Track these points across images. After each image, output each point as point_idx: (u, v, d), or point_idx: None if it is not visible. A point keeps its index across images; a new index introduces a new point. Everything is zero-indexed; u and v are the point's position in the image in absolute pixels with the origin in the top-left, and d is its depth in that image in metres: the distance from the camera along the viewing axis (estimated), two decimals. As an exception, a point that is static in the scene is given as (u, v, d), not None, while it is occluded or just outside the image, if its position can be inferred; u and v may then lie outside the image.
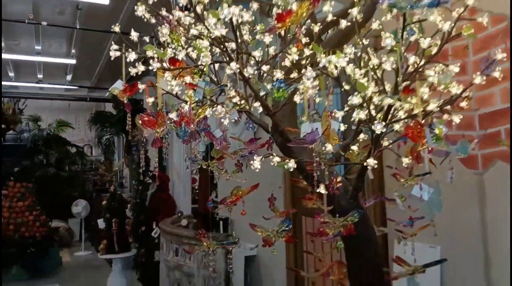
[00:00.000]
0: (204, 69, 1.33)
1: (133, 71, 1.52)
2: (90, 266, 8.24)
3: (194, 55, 1.51)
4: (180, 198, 6.16)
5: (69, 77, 9.68)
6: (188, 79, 1.36)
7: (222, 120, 1.65)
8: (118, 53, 1.43)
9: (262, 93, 1.47)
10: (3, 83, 10.02)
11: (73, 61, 8.41)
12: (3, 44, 7.61)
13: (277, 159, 1.40)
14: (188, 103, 1.38)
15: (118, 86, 1.55)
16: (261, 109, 1.80)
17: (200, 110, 1.38)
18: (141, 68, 1.41)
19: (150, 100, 1.55)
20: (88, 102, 13.97)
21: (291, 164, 1.39)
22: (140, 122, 1.48)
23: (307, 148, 1.63)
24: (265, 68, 1.54)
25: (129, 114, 1.60)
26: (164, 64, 1.44)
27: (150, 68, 1.40)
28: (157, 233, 5.78)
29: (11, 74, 9.63)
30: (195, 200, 6.86)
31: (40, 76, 9.63)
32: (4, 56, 8.13)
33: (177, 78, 1.42)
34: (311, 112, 1.52)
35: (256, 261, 4.05)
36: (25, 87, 11.35)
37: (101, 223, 5.94)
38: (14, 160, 10.64)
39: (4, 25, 6.95)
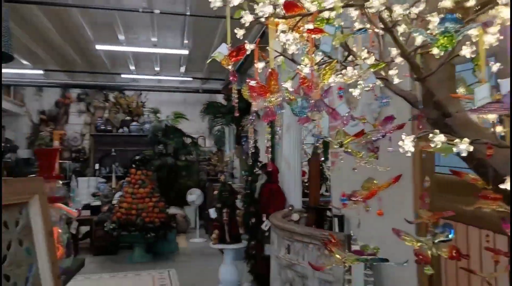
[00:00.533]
0: (334, 9, 0.93)
1: (239, 31, 1.19)
2: (203, 253, 8.46)
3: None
4: (290, 191, 5.86)
5: (182, 69, 10.04)
6: (309, 26, 0.97)
7: (352, 90, 1.25)
8: (219, 3, 1.11)
9: (416, 44, 1.02)
10: (127, 76, 10.82)
11: (186, 52, 8.63)
12: (123, 37, 8.10)
13: (441, 138, 0.95)
14: (309, 61, 1.01)
15: (222, 50, 1.23)
16: (396, 79, 1.35)
17: (326, 70, 0.99)
18: (248, 18, 1.06)
19: (260, 65, 1.21)
20: (202, 94, 14.56)
21: (464, 146, 0.93)
22: (247, 92, 1.15)
23: (474, 126, 1.15)
24: (416, 10, 1.08)
25: (235, 90, 1.27)
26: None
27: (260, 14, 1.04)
28: (267, 226, 5.58)
29: (132, 67, 10.31)
30: (305, 194, 6.55)
31: (157, 68, 10.14)
32: (124, 49, 8.70)
33: (294, 30, 1.06)
34: (490, 69, 1.04)
35: (377, 270, 3.53)
36: (145, 80, 12.14)
37: (212, 213, 5.93)
38: (137, 149, 11.52)
39: (123, 19, 7.37)
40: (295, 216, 4.33)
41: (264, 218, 5.67)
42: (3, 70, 7.95)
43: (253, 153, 6.12)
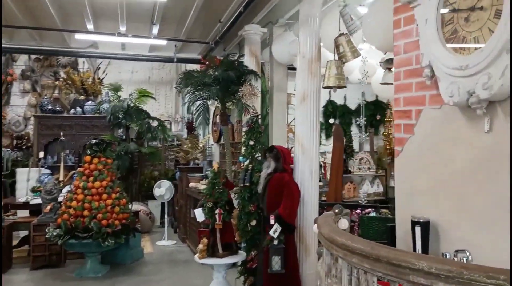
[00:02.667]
0: None
1: None
2: (175, 260, 6.78)
3: None
4: (304, 182, 4.31)
5: (155, 30, 8.14)
6: None
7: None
8: None
9: None
10: (83, 37, 8.72)
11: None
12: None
13: None
14: None
15: None
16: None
17: None
18: None
19: None
20: (170, 71, 12.70)
21: None
22: None
23: None
24: None
25: None
26: None
27: None
28: (277, 232, 4.01)
29: (90, 26, 8.27)
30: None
31: (122, 28, 8.18)
32: None
33: None
34: None
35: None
36: (106, 45, 10.14)
37: (199, 214, 4.29)
38: (93, 134, 9.57)
39: None
40: (344, 223, 2.78)
41: (272, 220, 4.10)
42: None
43: (253, 131, 4.52)
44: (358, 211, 4.86)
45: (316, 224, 2.83)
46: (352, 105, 9.56)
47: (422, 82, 2.62)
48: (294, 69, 6.04)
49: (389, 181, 8.63)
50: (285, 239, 4.07)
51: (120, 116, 9.68)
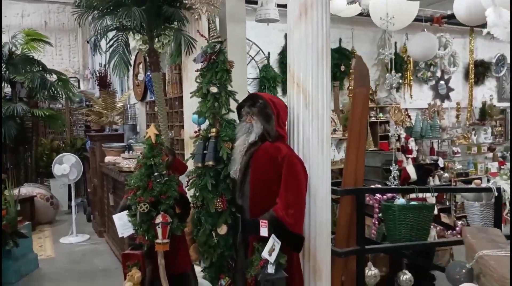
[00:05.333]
0: None
1: None
2: (89, 271, 4.68)
3: None
4: (309, 160, 2.46)
5: None
6: None
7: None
8: None
9: None
10: None
11: None
12: None
13: None
14: None
15: None
16: None
17: None
18: None
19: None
20: (72, 19, 9.95)
21: None
22: None
23: None
24: None
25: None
26: None
27: None
28: (274, 252, 2.16)
29: None
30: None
31: None
32: None
33: None
34: None
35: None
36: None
37: (123, 225, 2.26)
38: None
39: None
40: None
41: (264, 229, 2.24)
42: None
43: (215, 69, 2.53)
44: (378, 196, 3.15)
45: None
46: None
47: None
48: None
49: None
50: (289, 261, 2.24)
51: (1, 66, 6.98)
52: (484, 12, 3.77)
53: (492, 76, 8.42)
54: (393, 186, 3.29)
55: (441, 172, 7.36)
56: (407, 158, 7.53)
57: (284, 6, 5.15)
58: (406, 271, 3.11)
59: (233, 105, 2.63)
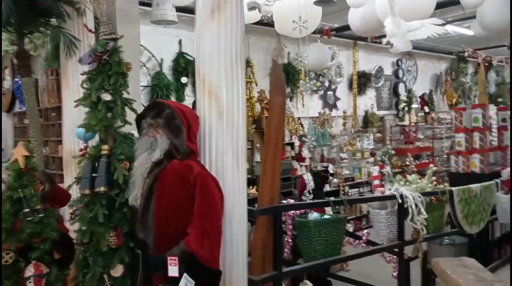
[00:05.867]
0: None
1: None
2: None
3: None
4: (226, 177, 2.14)
5: None
6: None
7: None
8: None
9: None
10: None
11: None
12: None
13: None
14: None
15: None
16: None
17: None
18: None
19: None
20: None
21: None
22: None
23: None
24: None
25: None
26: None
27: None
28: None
29: None
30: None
31: None
32: None
33: None
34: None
35: None
36: None
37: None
38: None
39: None
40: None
41: (173, 268, 1.85)
42: None
43: (107, 71, 2.07)
44: (290, 212, 2.95)
45: None
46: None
47: None
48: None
49: (255, 154, 7.07)
50: (205, 302, 1.87)
51: None
52: (379, 23, 3.87)
53: (372, 87, 9.05)
54: (309, 201, 3.14)
55: (331, 178, 7.65)
56: (300, 166, 7.70)
57: (178, 9, 4.77)
58: (307, 281, 2.98)
59: (130, 116, 2.18)
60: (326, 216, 2.86)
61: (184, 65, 6.16)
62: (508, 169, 4.66)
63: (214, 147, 2.17)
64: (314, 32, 6.35)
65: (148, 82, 5.75)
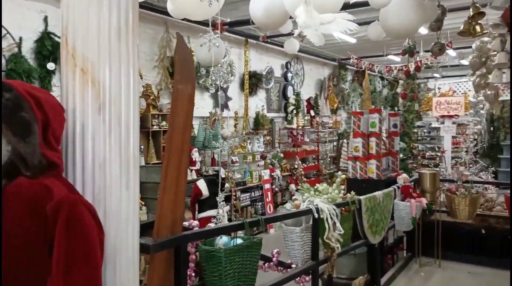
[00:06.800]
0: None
1: None
2: None
3: None
4: (109, 198, 1.43)
5: None
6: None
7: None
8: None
9: None
10: None
11: None
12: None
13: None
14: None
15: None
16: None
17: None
18: None
19: None
20: None
21: None
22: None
23: None
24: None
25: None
26: None
27: None
28: None
29: None
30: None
31: None
32: None
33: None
34: None
35: None
36: None
37: None
38: None
39: None
40: None
41: None
42: None
43: None
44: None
45: None
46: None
47: None
48: None
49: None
50: None
51: None
52: (285, 14, 3.45)
53: (263, 88, 8.81)
54: (219, 225, 2.53)
55: (223, 182, 7.16)
56: (191, 171, 7.03)
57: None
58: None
59: None
60: (238, 240, 2.28)
61: (51, 48, 5.02)
62: (403, 175, 4.67)
63: (89, 155, 1.43)
64: (205, 24, 5.80)
65: (3, 66, 4.53)
